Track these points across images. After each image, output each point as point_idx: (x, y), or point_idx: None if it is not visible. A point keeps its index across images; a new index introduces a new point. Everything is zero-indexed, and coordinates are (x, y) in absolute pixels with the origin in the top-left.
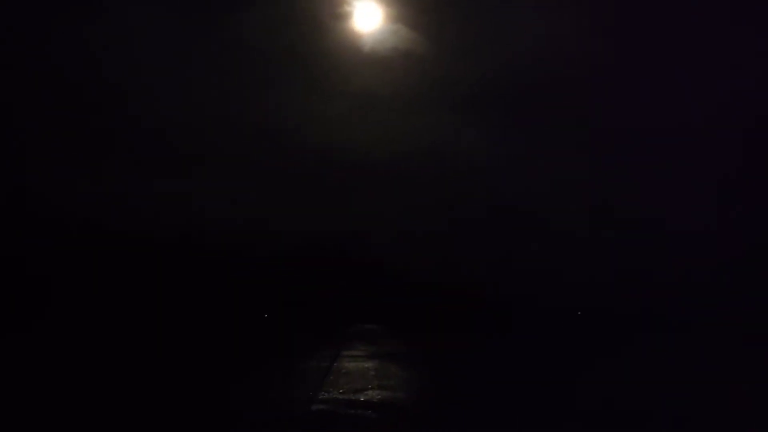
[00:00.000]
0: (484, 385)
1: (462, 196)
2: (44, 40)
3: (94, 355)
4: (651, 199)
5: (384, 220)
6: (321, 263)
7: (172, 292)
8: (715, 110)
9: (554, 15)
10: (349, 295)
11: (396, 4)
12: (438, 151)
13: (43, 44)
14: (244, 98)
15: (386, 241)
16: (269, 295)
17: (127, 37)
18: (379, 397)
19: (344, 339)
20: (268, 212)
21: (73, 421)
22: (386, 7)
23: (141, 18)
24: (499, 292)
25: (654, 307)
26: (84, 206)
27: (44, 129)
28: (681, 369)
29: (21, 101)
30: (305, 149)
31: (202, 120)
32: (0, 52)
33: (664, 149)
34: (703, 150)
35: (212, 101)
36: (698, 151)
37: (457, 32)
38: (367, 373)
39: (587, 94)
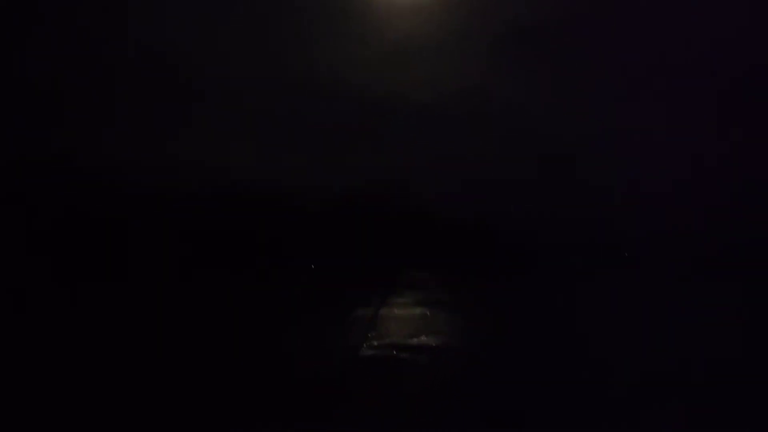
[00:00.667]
0: (534, 329)
1: (500, 139)
2: None
3: (154, 300)
4: (693, 136)
5: (424, 166)
6: (364, 212)
7: (216, 245)
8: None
9: None
10: (394, 243)
11: None
12: (476, 94)
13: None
14: (276, 47)
15: (429, 187)
16: (315, 246)
17: None
18: (428, 342)
19: (391, 287)
20: (306, 162)
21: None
22: None
23: None
24: (546, 237)
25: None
26: (134, 157)
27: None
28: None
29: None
30: (341, 96)
31: (234, 70)
32: None
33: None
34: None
35: (244, 50)
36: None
37: None
38: (415, 319)
39: (624, 34)
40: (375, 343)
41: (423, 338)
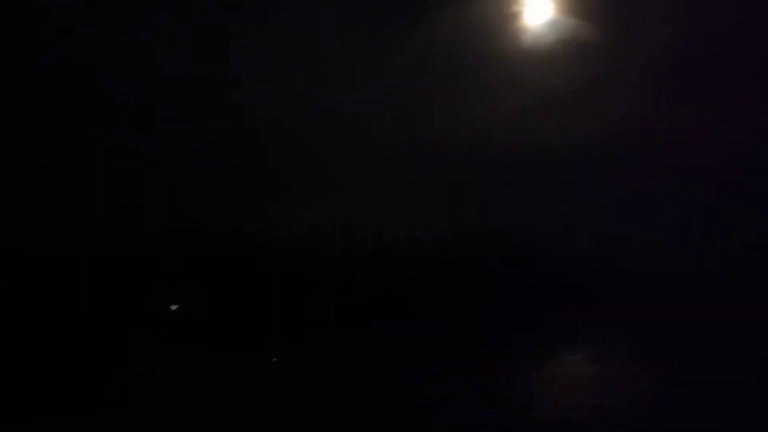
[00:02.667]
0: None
1: (639, 190)
2: None
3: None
4: None
5: (564, 219)
6: (515, 263)
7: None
8: None
9: None
10: (552, 295)
11: None
12: (615, 143)
13: None
14: (408, 105)
15: (571, 239)
16: (467, 301)
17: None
18: (612, 404)
19: (556, 341)
20: (439, 218)
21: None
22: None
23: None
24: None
25: None
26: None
27: None
28: None
29: None
30: (474, 152)
31: (363, 126)
32: None
33: None
34: None
35: (367, 108)
36: None
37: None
38: (590, 377)
39: None
40: (555, 405)
41: (605, 400)
